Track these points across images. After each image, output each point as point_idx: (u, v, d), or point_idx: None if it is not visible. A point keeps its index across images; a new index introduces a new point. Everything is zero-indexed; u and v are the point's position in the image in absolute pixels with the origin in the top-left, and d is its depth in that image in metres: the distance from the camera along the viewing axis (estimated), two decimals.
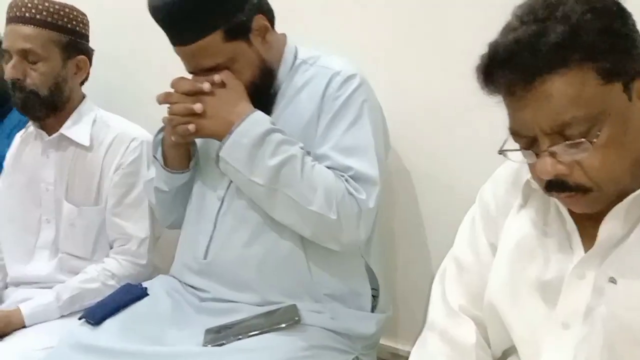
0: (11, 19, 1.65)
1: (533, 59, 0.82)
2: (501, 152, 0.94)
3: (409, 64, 1.60)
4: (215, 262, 1.43)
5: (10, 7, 1.66)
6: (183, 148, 1.47)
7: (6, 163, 1.82)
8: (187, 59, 1.37)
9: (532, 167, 0.91)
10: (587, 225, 0.94)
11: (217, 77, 1.35)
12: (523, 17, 0.86)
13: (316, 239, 1.37)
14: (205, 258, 1.44)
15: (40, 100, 1.66)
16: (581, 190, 0.87)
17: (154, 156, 1.50)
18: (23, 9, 1.63)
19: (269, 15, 1.42)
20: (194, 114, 1.35)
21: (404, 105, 1.60)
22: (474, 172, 1.24)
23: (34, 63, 1.64)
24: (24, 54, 1.63)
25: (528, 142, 0.89)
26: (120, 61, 2.12)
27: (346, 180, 1.35)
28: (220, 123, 1.35)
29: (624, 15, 0.86)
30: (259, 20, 1.38)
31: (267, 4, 1.43)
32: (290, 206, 1.33)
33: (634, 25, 0.87)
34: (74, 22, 1.69)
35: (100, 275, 1.65)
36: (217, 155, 1.36)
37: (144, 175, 1.70)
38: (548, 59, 0.82)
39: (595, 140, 0.83)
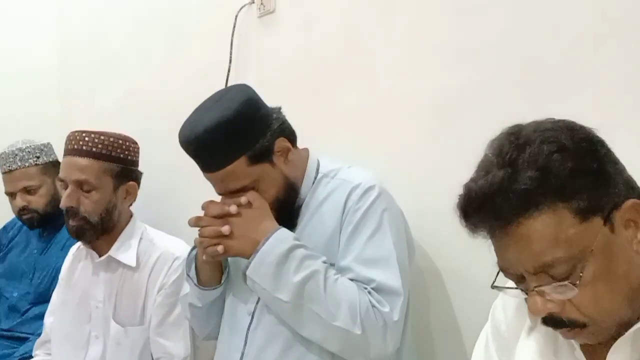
0: (68, 151, 1.77)
1: (505, 205, 0.82)
2: (494, 287, 0.91)
3: (429, 167, 1.59)
4: None
5: (69, 140, 1.78)
6: (215, 264, 1.52)
7: (60, 278, 1.94)
8: (216, 183, 1.45)
9: (526, 301, 0.88)
10: (598, 350, 0.89)
11: (243, 199, 1.41)
12: (493, 157, 0.86)
13: (344, 355, 1.37)
14: None
15: (91, 227, 1.76)
16: (577, 325, 0.85)
17: (188, 274, 1.54)
18: (81, 142, 1.75)
19: (291, 137, 1.49)
20: (222, 236, 1.41)
21: (429, 207, 1.55)
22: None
23: (88, 192, 1.75)
24: (79, 184, 1.74)
25: (517, 278, 0.87)
26: (163, 174, 2.24)
27: (369, 293, 1.34)
28: (246, 243, 1.40)
29: (595, 149, 0.85)
30: (281, 143, 1.44)
31: (289, 126, 1.49)
32: (316, 322, 1.34)
33: (607, 154, 0.85)
34: (126, 152, 1.81)
35: None
36: (244, 274, 1.40)
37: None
38: (519, 204, 0.81)
39: (578, 281, 0.81)
